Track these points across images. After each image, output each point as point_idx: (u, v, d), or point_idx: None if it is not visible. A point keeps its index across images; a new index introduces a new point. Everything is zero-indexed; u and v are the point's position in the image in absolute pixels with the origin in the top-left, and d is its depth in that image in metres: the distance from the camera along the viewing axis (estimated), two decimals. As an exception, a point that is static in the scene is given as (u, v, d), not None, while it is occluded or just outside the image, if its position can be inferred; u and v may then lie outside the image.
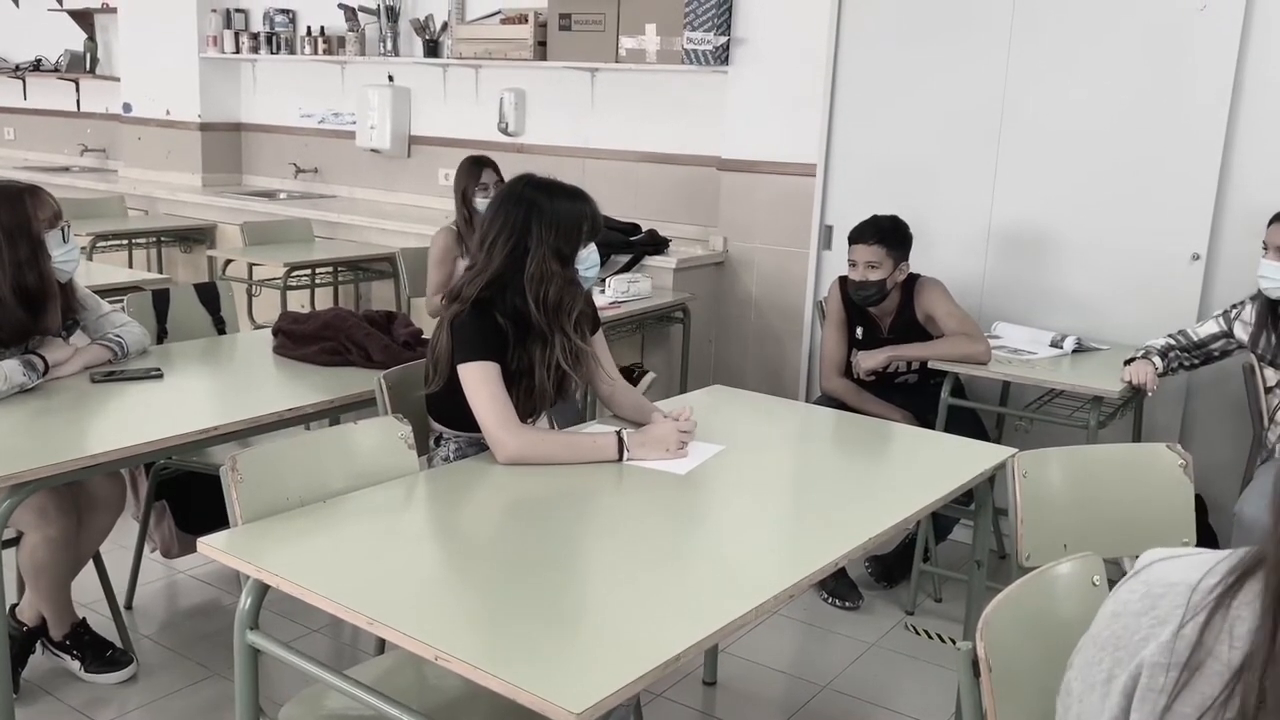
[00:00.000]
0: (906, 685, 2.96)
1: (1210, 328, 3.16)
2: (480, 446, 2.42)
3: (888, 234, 3.40)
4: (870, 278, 3.39)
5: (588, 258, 2.35)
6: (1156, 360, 3.14)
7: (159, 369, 2.80)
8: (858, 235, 3.42)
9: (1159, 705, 0.91)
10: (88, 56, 7.16)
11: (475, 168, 4.08)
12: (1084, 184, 3.68)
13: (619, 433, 2.25)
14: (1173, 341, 3.21)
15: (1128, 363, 3.18)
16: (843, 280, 3.57)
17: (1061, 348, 3.47)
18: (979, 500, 2.44)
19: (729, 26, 4.35)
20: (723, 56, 4.36)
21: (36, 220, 2.66)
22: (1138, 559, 1.06)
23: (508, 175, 4.33)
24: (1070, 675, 1.06)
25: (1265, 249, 2.99)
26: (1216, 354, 3.17)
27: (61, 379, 2.67)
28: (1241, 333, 3.08)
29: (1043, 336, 3.55)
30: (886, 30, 3.98)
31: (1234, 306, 3.14)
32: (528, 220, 2.27)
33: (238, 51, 6.18)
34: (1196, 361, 3.20)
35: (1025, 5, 3.70)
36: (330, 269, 5.10)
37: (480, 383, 2.24)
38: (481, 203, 4.00)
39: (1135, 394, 3.22)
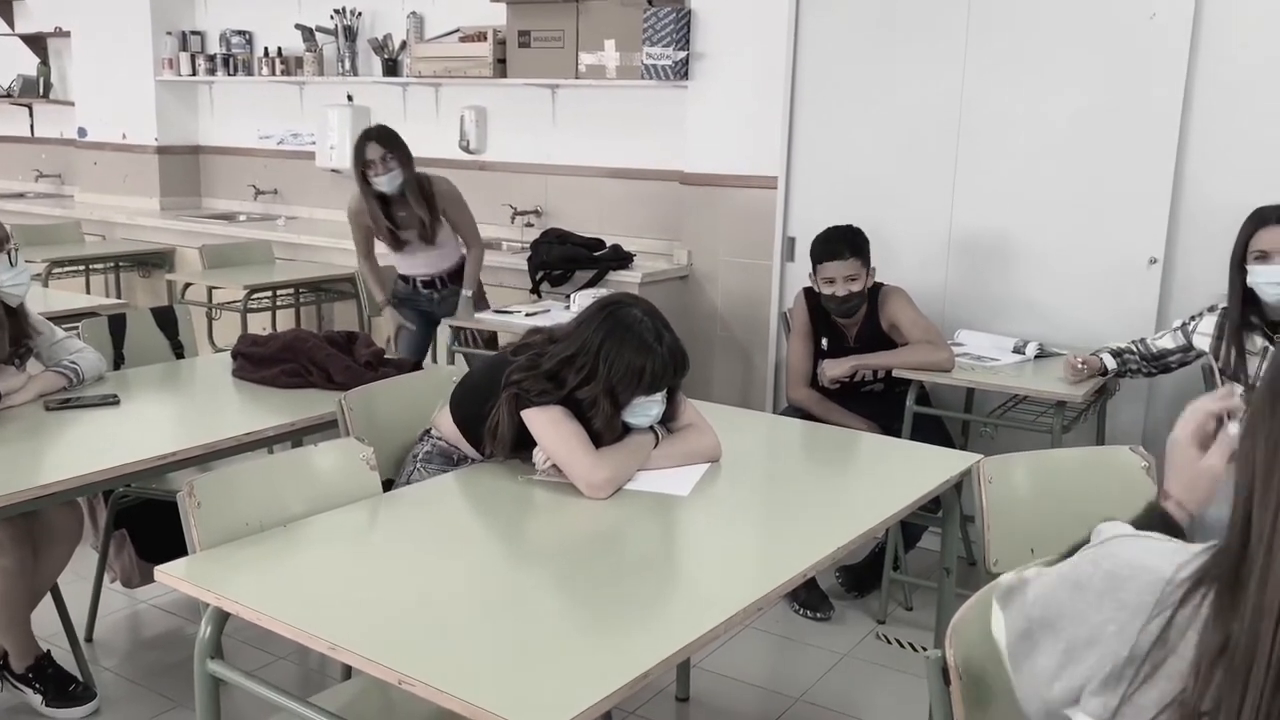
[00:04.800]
0: (880, 695, 2.96)
1: (1167, 342, 3.18)
2: (446, 459, 2.40)
3: (861, 245, 3.43)
4: (853, 289, 3.40)
5: (641, 407, 2.26)
6: (1106, 356, 3.19)
7: (116, 395, 2.75)
8: (831, 252, 3.41)
9: (1118, 694, 0.91)
10: (41, 81, 7.07)
11: (360, 147, 4.00)
12: (1042, 191, 3.71)
13: (654, 430, 2.30)
14: (1132, 347, 3.24)
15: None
16: (808, 292, 3.58)
17: (1024, 354, 3.49)
18: (946, 507, 2.44)
19: (688, 41, 4.36)
20: (682, 71, 4.37)
21: None
22: (1097, 531, 1.07)
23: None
24: (1030, 605, 1.06)
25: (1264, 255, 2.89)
26: (1174, 365, 3.19)
27: (15, 408, 2.62)
28: (1201, 344, 3.09)
29: (1005, 343, 3.57)
30: (844, 42, 4.01)
31: (1191, 319, 3.14)
32: (598, 353, 2.21)
33: (194, 74, 6.13)
34: (1154, 370, 3.23)
35: (979, 16, 3.74)
36: (291, 290, 5.05)
37: (548, 424, 2.20)
38: (375, 178, 3.97)
39: (1098, 398, 3.24)
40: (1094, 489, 2.17)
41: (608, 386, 2.20)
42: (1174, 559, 0.95)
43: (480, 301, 4.31)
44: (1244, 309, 2.95)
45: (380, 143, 3.98)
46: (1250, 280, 2.90)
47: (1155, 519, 1.25)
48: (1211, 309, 3.08)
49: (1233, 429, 1.22)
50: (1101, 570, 0.99)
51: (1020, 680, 1.06)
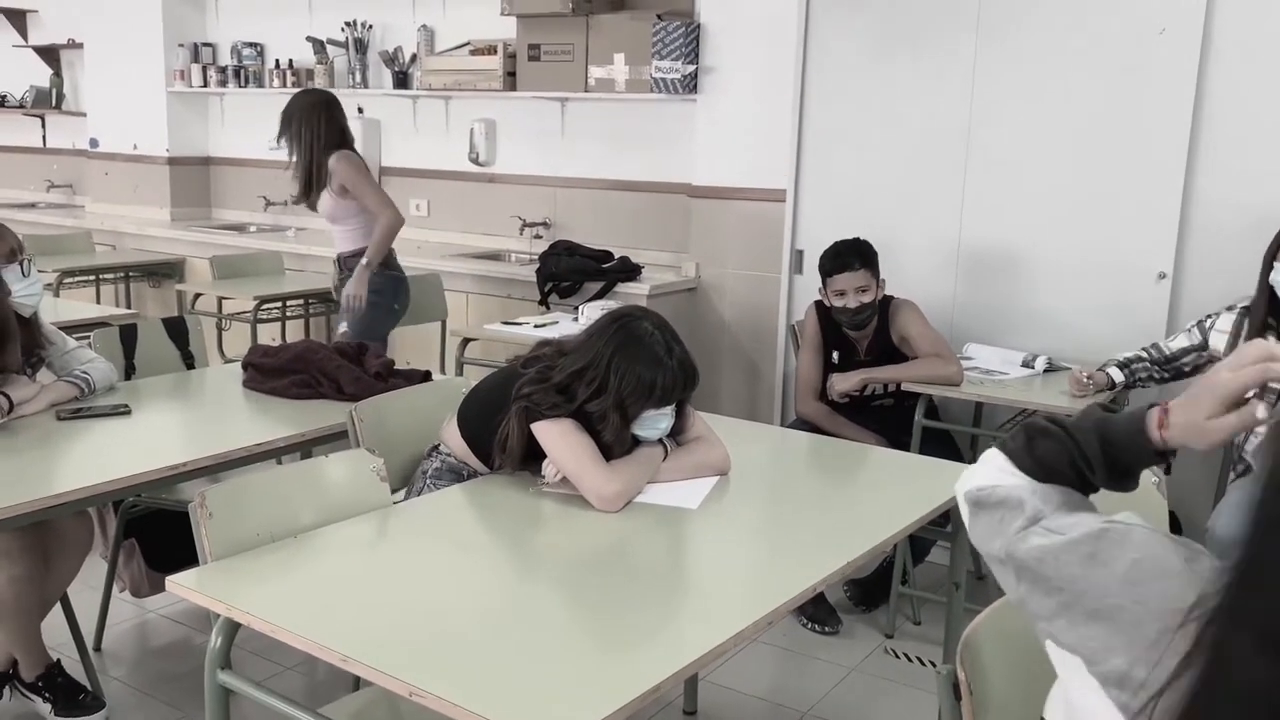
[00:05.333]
0: (887, 709, 2.95)
1: (1182, 341, 3.17)
2: (456, 475, 2.40)
3: (870, 257, 3.45)
4: (864, 300, 3.42)
5: (650, 420, 2.26)
6: (1113, 370, 3.18)
7: (126, 405, 2.76)
8: (842, 265, 3.43)
9: (1139, 699, 0.91)
10: (54, 92, 7.12)
11: None
12: (1051, 204, 3.71)
13: (663, 443, 2.31)
14: (1143, 354, 3.22)
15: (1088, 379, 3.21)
16: (819, 305, 3.58)
17: (1033, 368, 3.49)
18: (955, 521, 2.44)
19: (697, 55, 4.37)
20: (691, 85, 4.38)
21: None
22: (1118, 518, 1.05)
23: (470, 197, 4.32)
24: (1022, 551, 1.10)
25: None
26: (1187, 369, 3.17)
27: (26, 417, 2.63)
28: (1217, 342, 3.07)
29: (1014, 357, 3.57)
30: (853, 55, 4.02)
31: (1208, 317, 3.13)
32: (609, 366, 2.21)
33: (205, 85, 6.17)
34: (1166, 375, 3.21)
35: (989, 29, 3.75)
36: (301, 301, 5.06)
37: (559, 436, 2.21)
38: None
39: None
40: (1104, 504, 2.16)
41: (618, 399, 2.20)
42: (1205, 576, 0.94)
43: (376, 279, 4.09)
44: (1266, 310, 2.95)
45: (284, 111, 4.16)
46: (1272, 278, 2.90)
47: (1130, 431, 1.18)
48: (1230, 308, 3.06)
49: (1260, 411, 1.09)
50: (1127, 558, 0.98)
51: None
